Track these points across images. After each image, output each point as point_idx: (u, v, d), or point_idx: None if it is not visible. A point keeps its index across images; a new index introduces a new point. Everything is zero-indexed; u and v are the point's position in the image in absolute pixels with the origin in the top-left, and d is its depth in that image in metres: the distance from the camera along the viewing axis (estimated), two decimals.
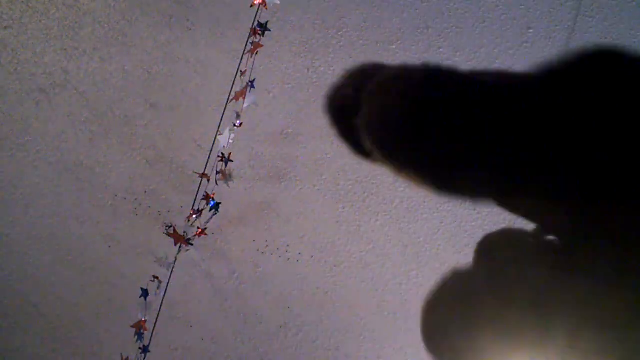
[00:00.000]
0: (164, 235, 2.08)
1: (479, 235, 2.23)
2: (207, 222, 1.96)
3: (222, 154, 1.86)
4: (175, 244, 1.88)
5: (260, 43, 1.80)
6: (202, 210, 1.92)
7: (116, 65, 2.26)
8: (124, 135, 2.29)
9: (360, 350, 2.33)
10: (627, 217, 1.44)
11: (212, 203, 1.91)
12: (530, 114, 1.34)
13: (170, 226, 2.29)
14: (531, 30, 2.15)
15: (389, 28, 2.19)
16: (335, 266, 2.30)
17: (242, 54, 1.85)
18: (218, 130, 1.89)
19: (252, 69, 1.80)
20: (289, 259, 2.31)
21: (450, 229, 2.25)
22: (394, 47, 2.20)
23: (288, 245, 2.30)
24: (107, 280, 2.35)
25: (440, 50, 2.19)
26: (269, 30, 1.81)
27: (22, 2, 2.23)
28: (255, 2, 1.78)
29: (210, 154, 1.92)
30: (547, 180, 1.43)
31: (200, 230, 1.95)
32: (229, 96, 1.84)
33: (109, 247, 2.34)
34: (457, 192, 1.50)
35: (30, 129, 2.29)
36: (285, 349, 2.35)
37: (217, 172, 1.89)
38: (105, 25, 2.24)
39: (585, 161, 1.39)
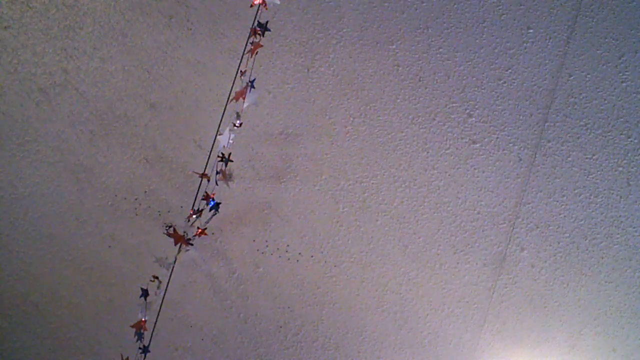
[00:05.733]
0: (164, 235, 2.08)
1: (479, 235, 2.24)
2: (207, 222, 1.96)
3: (222, 154, 1.86)
4: (175, 244, 1.88)
5: (260, 43, 1.80)
6: (202, 210, 1.92)
7: (116, 65, 2.26)
8: (124, 135, 2.29)
9: (360, 350, 2.33)
10: None
11: (212, 203, 1.91)
12: None
13: (170, 226, 2.28)
14: (531, 31, 2.15)
15: (389, 28, 2.19)
16: (335, 266, 2.30)
17: (242, 54, 1.84)
18: (218, 130, 1.89)
19: (252, 69, 1.80)
20: (289, 259, 2.31)
21: (450, 229, 2.25)
22: (394, 47, 2.20)
23: (288, 245, 2.30)
24: (107, 280, 2.35)
25: (440, 50, 2.19)
26: (269, 30, 1.81)
27: (22, 2, 2.23)
28: (255, 2, 1.78)
29: (210, 154, 1.92)
30: None
31: (200, 230, 1.95)
32: (229, 96, 1.84)
33: (109, 247, 2.34)
34: None
35: (30, 129, 2.29)
36: (285, 349, 2.35)
37: (217, 172, 1.89)
38: (105, 25, 2.24)
39: None
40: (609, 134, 2.17)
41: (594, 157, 2.18)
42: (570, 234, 2.21)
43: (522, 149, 2.20)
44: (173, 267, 1.91)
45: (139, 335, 1.88)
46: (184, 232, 1.90)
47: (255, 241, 2.31)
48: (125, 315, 2.33)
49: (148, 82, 2.26)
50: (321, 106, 2.24)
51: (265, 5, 1.78)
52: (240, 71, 1.82)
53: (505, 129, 2.20)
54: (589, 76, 2.16)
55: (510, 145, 2.20)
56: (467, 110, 2.20)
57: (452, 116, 2.21)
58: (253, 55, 1.79)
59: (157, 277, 1.91)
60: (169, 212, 2.31)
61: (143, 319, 1.89)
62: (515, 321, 2.26)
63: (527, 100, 2.18)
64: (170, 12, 2.22)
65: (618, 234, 2.20)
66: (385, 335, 2.31)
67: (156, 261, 1.91)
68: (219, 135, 1.83)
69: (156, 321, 1.95)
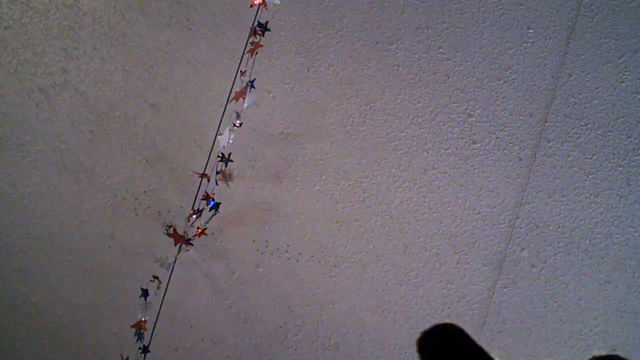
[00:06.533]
0: (164, 235, 2.08)
1: (479, 235, 2.24)
2: (207, 222, 1.96)
3: (222, 154, 1.86)
4: (175, 244, 1.89)
5: (260, 43, 1.80)
6: (202, 210, 1.92)
7: (116, 65, 2.26)
8: (124, 135, 2.29)
9: (360, 350, 2.33)
10: None
11: (212, 203, 1.91)
12: None
13: (170, 226, 2.29)
14: (531, 31, 2.15)
15: (389, 28, 2.19)
16: (335, 266, 2.30)
17: (242, 54, 1.85)
18: (218, 130, 1.89)
19: (252, 69, 1.80)
20: (289, 259, 2.31)
21: (450, 229, 2.25)
22: (393, 47, 2.20)
23: (288, 245, 2.30)
24: (107, 280, 2.35)
25: (440, 50, 2.19)
26: (269, 30, 1.81)
27: (22, 2, 2.23)
28: (255, 2, 1.78)
29: (210, 154, 1.92)
30: None
31: (200, 230, 1.95)
32: (229, 96, 1.84)
33: (109, 247, 2.34)
34: None
35: (30, 129, 2.29)
36: (285, 349, 2.35)
37: (217, 172, 1.89)
38: (105, 25, 2.24)
39: None
40: (609, 134, 2.17)
41: (594, 157, 2.18)
42: (570, 234, 2.21)
43: (522, 149, 2.20)
44: (173, 267, 1.91)
45: (139, 335, 1.89)
46: (184, 232, 1.90)
47: (255, 241, 2.31)
48: (125, 315, 2.33)
49: (148, 82, 2.26)
50: (321, 106, 2.24)
51: (265, 5, 1.78)
52: (240, 71, 1.82)
53: (505, 129, 2.20)
54: (589, 76, 2.16)
55: (510, 145, 2.20)
56: (467, 110, 2.20)
57: (452, 116, 2.21)
58: (253, 55, 1.80)
59: (157, 277, 1.91)
60: (169, 212, 2.31)
61: (143, 319, 1.89)
62: (515, 321, 2.26)
63: (527, 100, 2.18)
64: (170, 12, 2.22)
65: (618, 234, 2.20)
66: (385, 335, 2.31)
67: (156, 261, 1.91)
68: (219, 135, 1.84)
69: (156, 321, 1.95)
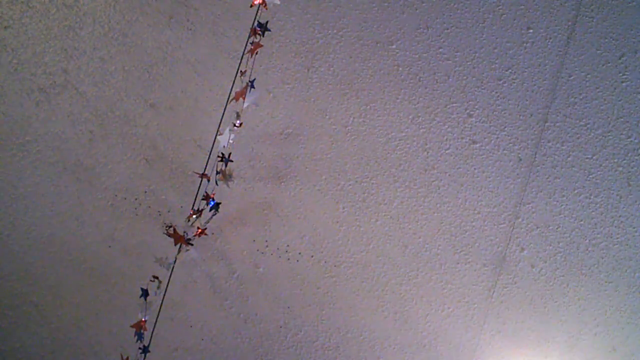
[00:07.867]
0: (164, 235, 2.08)
1: (478, 235, 2.24)
2: (207, 222, 1.96)
3: (222, 154, 1.86)
4: (175, 244, 1.88)
5: (260, 43, 1.80)
6: (202, 210, 1.92)
7: (116, 65, 2.26)
8: (124, 135, 2.29)
9: (360, 350, 2.33)
10: None
11: (212, 203, 1.91)
12: None
13: (170, 226, 2.28)
14: (531, 31, 2.15)
15: (389, 28, 2.19)
16: (335, 266, 2.30)
17: (242, 54, 1.84)
18: (218, 130, 1.89)
19: (252, 69, 1.80)
20: (289, 259, 2.31)
21: (450, 229, 2.25)
22: (394, 47, 2.20)
23: (288, 245, 2.30)
24: (107, 280, 2.35)
25: (440, 50, 2.19)
26: (269, 30, 1.81)
27: (22, 2, 2.23)
28: (255, 2, 1.78)
29: (210, 154, 1.92)
30: None
31: (200, 230, 1.95)
32: (229, 96, 1.84)
33: (109, 247, 2.34)
34: None
35: (30, 129, 2.30)
36: (285, 349, 2.35)
37: (217, 172, 1.89)
38: (105, 25, 2.24)
39: None
40: (609, 134, 2.17)
41: (594, 157, 2.18)
42: (570, 234, 2.21)
43: (522, 149, 2.20)
44: (173, 267, 1.91)
45: (139, 335, 1.88)
46: (184, 232, 1.90)
47: (255, 241, 2.30)
48: (125, 315, 2.33)
49: (148, 82, 2.26)
50: (321, 106, 2.24)
51: (265, 5, 1.78)
52: (240, 71, 1.82)
53: (505, 129, 2.20)
54: (589, 76, 2.16)
55: (510, 145, 2.20)
56: (467, 110, 2.20)
57: (452, 116, 2.21)
58: (253, 55, 1.79)
59: (157, 277, 1.91)
60: (169, 212, 2.31)
61: (143, 319, 1.89)
62: (515, 321, 2.26)
63: (527, 100, 2.18)
64: (170, 12, 2.22)
65: (618, 234, 2.20)
66: (385, 335, 2.31)
67: (156, 261, 1.91)
68: (219, 135, 1.83)
69: (156, 321, 1.95)
